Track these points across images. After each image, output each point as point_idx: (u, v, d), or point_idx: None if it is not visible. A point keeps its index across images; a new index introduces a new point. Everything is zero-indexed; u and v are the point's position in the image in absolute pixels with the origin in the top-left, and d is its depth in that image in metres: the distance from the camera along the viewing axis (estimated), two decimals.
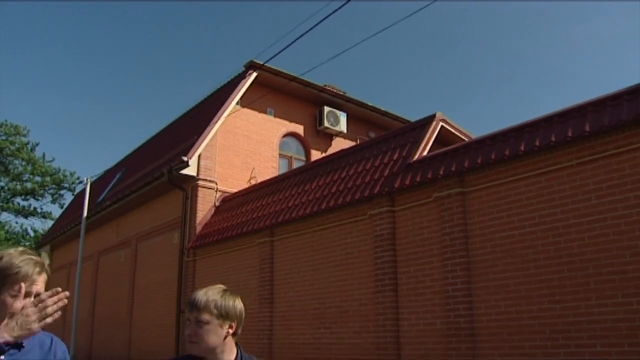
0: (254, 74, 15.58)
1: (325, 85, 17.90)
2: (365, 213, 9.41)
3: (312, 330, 10.02)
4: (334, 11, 8.47)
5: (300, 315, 10.37)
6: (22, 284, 1.97)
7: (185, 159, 13.84)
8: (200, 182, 14.51)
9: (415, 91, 62.97)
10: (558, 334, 6.54)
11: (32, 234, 40.27)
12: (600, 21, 48.24)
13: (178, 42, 68.48)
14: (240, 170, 15.58)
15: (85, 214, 17.95)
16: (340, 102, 17.76)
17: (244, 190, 14.31)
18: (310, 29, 8.95)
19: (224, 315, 2.21)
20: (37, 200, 41.65)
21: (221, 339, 2.21)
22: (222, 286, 2.33)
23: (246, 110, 15.80)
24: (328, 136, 17.85)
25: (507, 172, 7.44)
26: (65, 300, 1.90)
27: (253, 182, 15.15)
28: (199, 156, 14.49)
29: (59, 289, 1.90)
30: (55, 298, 1.87)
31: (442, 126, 9.96)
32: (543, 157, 7.05)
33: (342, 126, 17.60)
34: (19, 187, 40.37)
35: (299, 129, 17.32)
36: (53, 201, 42.23)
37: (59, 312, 1.89)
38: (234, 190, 14.81)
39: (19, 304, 1.95)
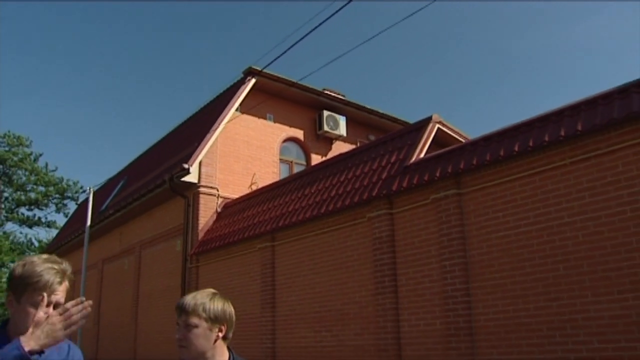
0: (253, 80, 15.70)
1: (324, 90, 18.02)
2: (364, 216, 9.49)
3: (313, 334, 10.10)
4: (331, 15, 8.55)
5: (302, 319, 10.45)
6: (44, 295, 2.00)
7: (186, 166, 13.94)
8: (202, 189, 14.60)
9: (414, 93, 63.08)
10: (555, 332, 6.61)
11: (36, 244, 40.46)
12: (600, 20, 48.29)
13: (177, 51, 68.77)
14: (241, 176, 15.68)
15: (88, 223, 18.07)
16: (339, 105, 17.87)
17: (245, 195, 14.40)
18: (308, 34, 9.04)
19: (213, 318, 2.21)
20: (41, 210, 41.91)
21: (211, 342, 2.21)
22: (211, 290, 2.34)
23: (246, 117, 15.91)
24: (328, 140, 17.95)
25: (502, 173, 7.52)
26: (89, 309, 1.93)
27: (254, 187, 15.25)
28: (200, 163, 14.59)
29: (83, 298, 1.93)
30: (80, 307, 1.90)
31: (438, 128, 10.04)
32: (537, 157, 7.13)
33: (342, 130, 17.69)
34: (23, 197, 40.61)
35: (299, 133, 17.42)
36: (57, 210, 42.48)
37: (84, 321, 1.92)
38: (235, 196, 14.90)
39: (41, 313, 1.99)
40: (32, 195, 40.83)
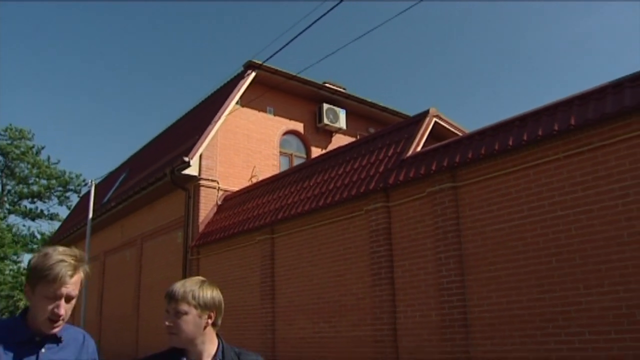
0: (253, 74, 15.77)
1: (325, 82, 18.08)
2: (362, 209, 9.58)
3: (312, 325, 10.22)
4: (332, 8, 8.62)
5: (301, 310, 10.57)
6: (56, 290, 2.06)
7: (186, 159, 14.04)
8: (202, 182, 14.71)
9: (416, 86, 63.02)
10: (548, 323, 6.71)
11: (39, 236, 40.71)
12: (601, 18, 48.13)
13: (178, 44, 68.73)
14: (242, 169, 15.78)
15: (90, 215, 18.20)
16: (339, 98, 17.94)
17: (245, 188, 14.51)
18: (308, 27, 9.11)
19: (202, 305, 2.22)
20: (44, 202, 42.15)
21: (201, 329, 2.23)
22: (200, 277, 2.36)
23: (246, 110, 15.99)
24: (328, 133, 18.03)
25: (496, 166, 7.60)
26: None
27: (254, 180, 15.34)
28: (200, 156, 14.69)
29: None
30: None
31: (436, 122, 10.13)
32: (531, 150, 7.21)
33: (342, 123, 17.77)
34: (25, 190, 40.84)
35: (299, 126, 17.51)
36: (60, 203, 42.73)
37: None
38: (236, 188, 15.00)
39: (51, 306, 2.07)
40: (35, 188, 41.06)
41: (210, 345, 2.28)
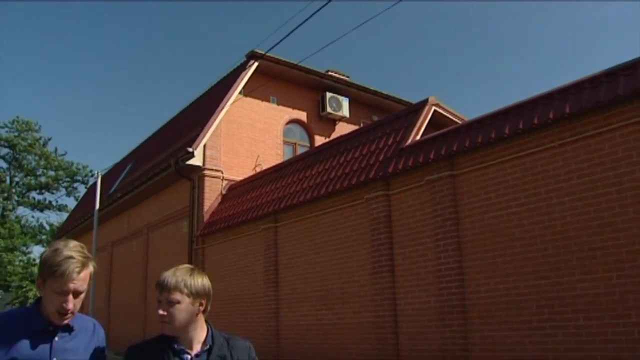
0: (256, 64, 15.83)
1: (328, 71, 18.12)
2: (362, 197, 9.69)
3: (315, 312, 10.38)
4: None
5: (304, 298, 10.73)
6: (63, 286, 2.15)
7: (190, 150, 14.16)
8: (207, 172, 14.84)
9: (419, 73, 62.79)
10: (543, 309, 6.82)
11: (47, 227, 41.07)
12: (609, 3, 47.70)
13: (181, 35, 68.69)
14: (246, 158, 15.89)
15: (97, 206, 18.40)
16: (342, 87, 17.99)
17: (249, 178, 14.63)
18: (311, 16, 9.16)
19: (194, 293, 2.26)
20: (52, 193, 42.51)
21: (192, 317, 2.28)
22: (189, 265, 2.41)
23: (249, 100, 16.08)
24: (331, 121, 18.10)
25: (493, 155, 7.68)
26: None
27: (258, 169, 15.45)
28: (204, 146, 14.81)
29: None
30: None
31: (435, 111, 10.19)
32: (527, 139, 7.28)
33: (345, 111, 17.83)
34: (33, 181, 41.17)
35: (302, 115, 17.58)
36: (67, 194, 43.07)
37: None
38: (240, 178, 15.12)
39: (59, 300, 2.17)
40: (43, 179, 41.39)
41: (200, 331, 2.34)
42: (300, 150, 16.83)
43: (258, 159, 16.00)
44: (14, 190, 41.07)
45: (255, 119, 16.38)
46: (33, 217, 42.71)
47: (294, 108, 17.40)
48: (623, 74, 6.60)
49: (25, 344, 2.16)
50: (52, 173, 41.53)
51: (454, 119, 10.63)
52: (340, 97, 17.80)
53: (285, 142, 17.10)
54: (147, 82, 71.10)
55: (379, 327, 8.96)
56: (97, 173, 19.02)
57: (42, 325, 2.21)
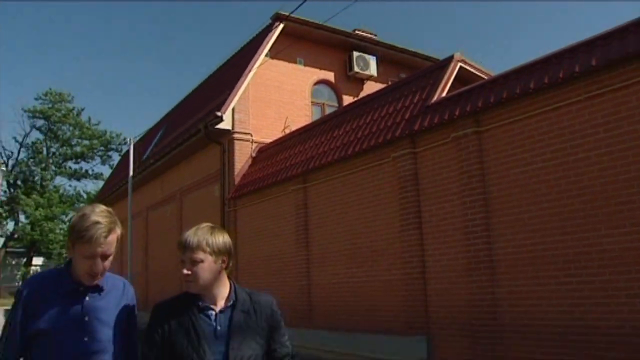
0: (281, 25, 15.77)
1: (355, 30, 17.95)
2: (389, 156, 9.72)
3: (345, 270, 10.56)
4: None
5: (334, 256, 10.91)
6: (91, 250, 2.25)
7: (219, 114, 14.30)
8: (236, 135, 14.99)
9: (448, 29, 61.46)
10: (570, 264, 6.83)
11: (84, 196, 42.14)
12: None
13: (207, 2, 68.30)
14: (274, 120, 15.97)
15: (131, 173, 18.78)
16: (369, 46, 17.82)
17: (278, 139, 14.74)
18: None
19: (217, 251, 2.33)
20: (87, 162, 43.50)
21: (216, 274, 2.35)
22: (209, 224, 2.46)
23: (276, 62, 16.08)
24: (359, 81, 18.00)
25: (519, 110, 7.60)
26: None
27: (287, 131, 15.54)
28: (233, 110, 14.93)
29: None
30: None
31: (461, 67, 10.08)
32: (552, 93, 7.18)
33: (373, 70, 17.70)
34: (69, 151, 42.12)
35: (330, 75, 17.52)
36: (102, 162, 44.08)
37: None
38: (269, 140, 15.23)
39: (88, 263, 2.29)
40: (78, 149, 42.31)
41: (223, 288, 2.42)
42: (328, 111, 16.81)
43: (287, 121, 16.06)
44: (51, 161, 42.11)
45: (282, 81, 16.40)
46: (70, 186, 44.09)
47: (321, 69, 17.34)
48: None
49: (58, 303, 2.30)
50: (86, 142, 42.40)
51: (480, 74, 10.50)
52: (367, 56, 17.66)
53: (313, 103, 17.11)
54: (175, 49, 71.28)
55: (408, 284, 9.10)
56: (130, 140, 19.36)
57: (73, 285, 2.34)
